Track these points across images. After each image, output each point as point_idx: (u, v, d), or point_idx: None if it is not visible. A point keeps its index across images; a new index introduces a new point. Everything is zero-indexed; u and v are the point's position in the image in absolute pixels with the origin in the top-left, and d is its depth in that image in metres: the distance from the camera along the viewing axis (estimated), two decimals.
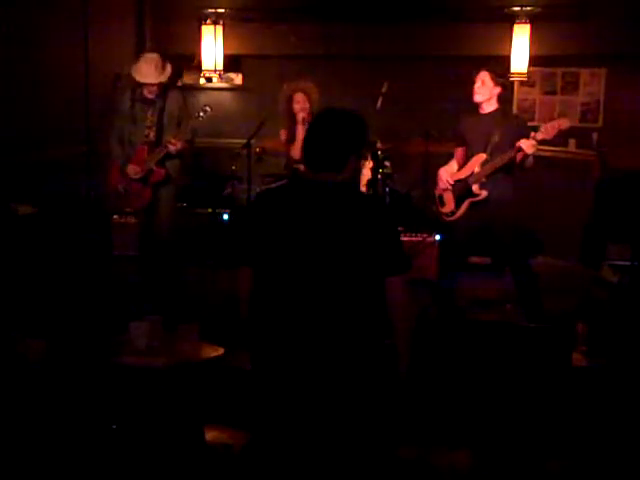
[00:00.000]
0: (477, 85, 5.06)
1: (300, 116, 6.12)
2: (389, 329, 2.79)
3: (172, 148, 5.54)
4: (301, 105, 6.13)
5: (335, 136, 2.79)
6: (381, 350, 2.81)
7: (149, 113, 5.65)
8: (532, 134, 4.88)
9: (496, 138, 5.00)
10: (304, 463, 2.77)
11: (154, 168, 5.63)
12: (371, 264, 2.72)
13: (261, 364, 2.84)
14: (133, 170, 5.64)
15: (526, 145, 4.86)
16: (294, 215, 2.77)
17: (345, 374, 2.73)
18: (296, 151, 6.00)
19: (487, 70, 5.08)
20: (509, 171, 5.03)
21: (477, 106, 5.15)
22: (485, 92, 5.05)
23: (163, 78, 5.59)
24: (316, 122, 2.91)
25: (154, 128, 5.66)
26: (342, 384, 2.73)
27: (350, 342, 2.72)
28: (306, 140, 2.87)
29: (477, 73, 5.07)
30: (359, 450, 2.78)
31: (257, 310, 2.83)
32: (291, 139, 6.19)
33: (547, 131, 4.85)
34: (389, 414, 2.89)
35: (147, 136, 5.67)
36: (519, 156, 4.91)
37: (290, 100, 6.17)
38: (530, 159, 4.97)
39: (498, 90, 5.08)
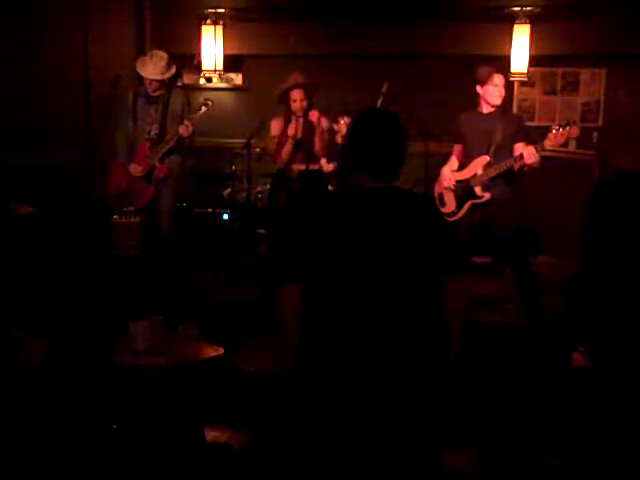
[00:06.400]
0: (498, 88, 5.04)
1: (298, 119, 5.54)
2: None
3: (185, 133, 5.51)
4: (298, 104, 5.51)
5: (397, 145, 2.67)
6: (444, 357, 2.73)
7: (152, 110, 5.66)
8: (539, 145, 4.82)
9: (498, 138, 4.99)
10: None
11: (157, 164, 5.63)
12: (434, 268, 2.66)
13: (321, 373, 2.66)
14: (136, 168, 5.65)
15: (527, 154, 4.83)
16: (357, 223, 2.62)
17: (411, 384, 2.63)
18: (284, 156, 5.58)
19: (502, 73, 5.11)
20: (510, 174, 5.02)
21: (477, 105, 5.16)
22: (502, 94, 5.07)
23: (167, 75, 5.61)
24: (370, 130, 2.69)
25: (156, 125, 5.66)
26: (407, 395, 2.62)
27: (416, 349, 2.63)
28: (363, 150, 2.67)
29: (492, 76, 5.04)
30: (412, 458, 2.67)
31: (316, 323, 2.66)
32: (282, 140, 5.60)
33: (556, 139, 4.78)
34: (441, 420, 2.78)
35: (149, 133, 5.68)
36: (519, 164, 4.89)
37: (287, 97, 5.55)
38: (533, 165, 4.92)
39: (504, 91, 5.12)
